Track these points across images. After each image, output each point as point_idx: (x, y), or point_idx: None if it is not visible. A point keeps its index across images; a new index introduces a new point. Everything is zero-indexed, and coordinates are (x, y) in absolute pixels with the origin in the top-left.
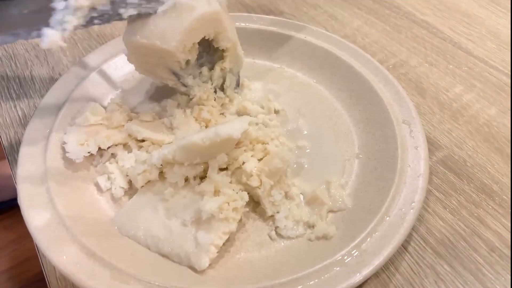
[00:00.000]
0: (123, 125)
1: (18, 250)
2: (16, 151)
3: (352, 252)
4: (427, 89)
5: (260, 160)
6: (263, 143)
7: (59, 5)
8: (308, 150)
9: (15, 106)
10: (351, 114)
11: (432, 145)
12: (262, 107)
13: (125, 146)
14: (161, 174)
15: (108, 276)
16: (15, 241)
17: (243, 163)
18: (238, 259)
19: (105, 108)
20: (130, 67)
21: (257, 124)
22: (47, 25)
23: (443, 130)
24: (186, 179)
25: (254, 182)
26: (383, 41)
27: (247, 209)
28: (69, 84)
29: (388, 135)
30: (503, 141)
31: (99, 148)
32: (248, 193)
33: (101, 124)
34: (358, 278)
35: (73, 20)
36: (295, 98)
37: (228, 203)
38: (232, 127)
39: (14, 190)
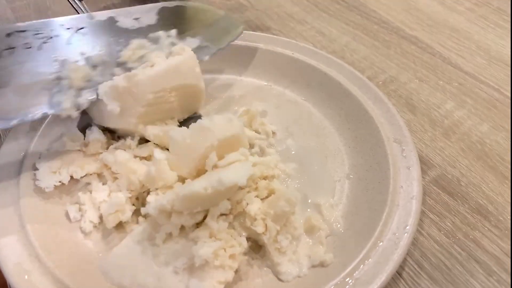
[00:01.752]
0: (101, 153)
1: None
2: None
3: (345, 281)
4: (418, 106)
5: (264, 199)
6: (265, 178)
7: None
8: (296, 172)
9: None
10: (340, 133)
11: (424, 164)
12: (258, 132)
13: (100, 176)
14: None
15: None
16: None
17: (247, 204)
18: None
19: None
20: None
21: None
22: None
23: (435, 148)
24: (181, 227)
25: (259, 228)
26: (372, 57)
27: (246, 257)
28: None
29: (379, 155)
30: (496, 159)
31: (72, 177)
32: (250, 237)
33: (78, 150)
34: None
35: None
36: (283, 116)
37: (225, 249)
38: (237, 173)
39: None
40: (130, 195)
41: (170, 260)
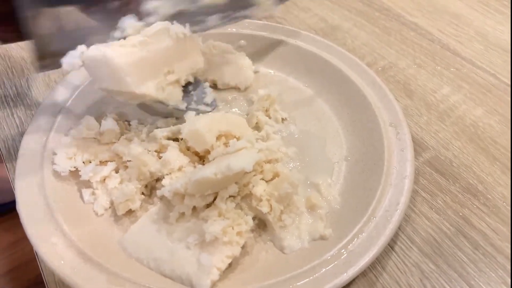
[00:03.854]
0: (114, 142)
1: (18, 253)
2: (14, 158)
3: (339, 253)
4: (415, 91)
5: (269, 181)
6: (269, 162)
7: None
8: (298, 155)
9: (12, 114)
10: (339, 117)
11: (419, 146)
12: (269, 117)
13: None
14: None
15: (105, 280)
16: (14, 243)
17: (253, 186)
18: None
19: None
20: None
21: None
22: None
23: (430, 131)
24: (193, 208)
25: (264, 208)
26: (372, 44)
27: (252, 234)
28: (65, 91)
29: (375, 138)
30: (488, 141)
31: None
32: (256, 216)
33: (94, 138)
34: (345, 278)
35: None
36: (286, 102)
37: (233, 227)
38: (244, 159)
39: (13, 193)
40: (140, 186)
41: (182, 237)
